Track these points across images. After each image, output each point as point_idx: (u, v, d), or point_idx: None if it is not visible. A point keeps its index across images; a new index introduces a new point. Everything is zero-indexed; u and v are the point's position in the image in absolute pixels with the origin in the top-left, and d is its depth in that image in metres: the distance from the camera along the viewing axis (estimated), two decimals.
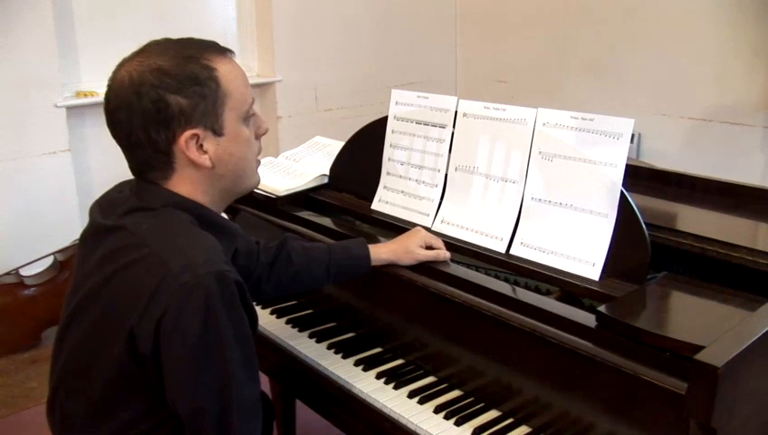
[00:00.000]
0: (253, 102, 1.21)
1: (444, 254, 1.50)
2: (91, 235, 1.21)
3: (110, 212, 1.19)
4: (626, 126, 1.33)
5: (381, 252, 1.50)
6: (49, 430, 1.25)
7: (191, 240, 1.10)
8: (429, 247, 1.50)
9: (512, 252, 1.46)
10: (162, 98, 1.09)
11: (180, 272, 1.03)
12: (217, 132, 1.15)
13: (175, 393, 1.08)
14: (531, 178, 1.45)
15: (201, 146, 1.14)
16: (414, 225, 1.62)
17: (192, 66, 1.12)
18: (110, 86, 1.14)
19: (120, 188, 1.25)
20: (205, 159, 1.15)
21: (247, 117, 1.20)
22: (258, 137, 1.24)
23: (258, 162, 1.27)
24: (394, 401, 1.38)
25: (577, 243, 1.36)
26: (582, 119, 1.39)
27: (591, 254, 1.34)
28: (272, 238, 1.90)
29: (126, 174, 1.22)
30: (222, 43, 1.20)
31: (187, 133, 1.12)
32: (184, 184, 1.16)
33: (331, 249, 1.50)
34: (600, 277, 1.32)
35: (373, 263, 1.49)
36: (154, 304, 1.04)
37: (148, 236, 1.10)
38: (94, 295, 1.13)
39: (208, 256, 1.07)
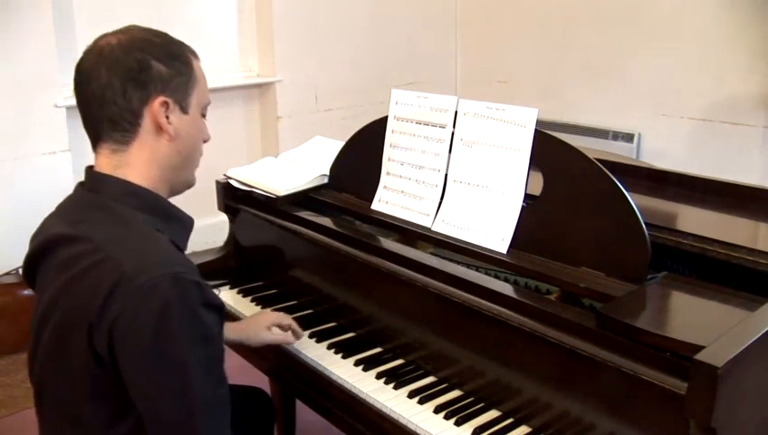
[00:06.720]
0: (208, 105, 1.28)
1: (290, 338, 1.59)
2: (45, 248, 1.19)
3: (67, 216, 1.19)
4: (531, 116, 1.46)
5: (229, 331, 1.51)
6: None
7: (147, 243, 1.11)
8: (280, 327, 1.58)
9: (433, 228, 1.58)
10: (147, 60, 1.16)
11: (136, 274, 1.03)
12: (183, 109, 1.21)
13: (135, 395, 1.07)
14: (454, 162, 1.56)
15: (167, 117, 1.18)
16: (414, 225, 1.62)
17: (174, 47, 1.22)
18: (89, 50, 1.18)
19: (72, 196, 1.24)
20: (169, 128, 1.18)
21: (204, 113, 1.27)
22: (203, 141, 1.28)
23: (197, 164, 1.30)
24: (394, 401, 1.38)
25: (489, 220, 1.49)
26: (496, 109, 1.51)
27: (501, 230, 1.47)
28: (271, 239, 1.89)
29: None
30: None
31: (161, 98, 1.17)
32: (141, 154, 1.17)
33: None
34: (508, 251, 1.44)
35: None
36: (110, 305, 1.03)
37: (104, 242, 1.09)
38: (53, 306, 1.12)
39: (164, 259, 1.07)
